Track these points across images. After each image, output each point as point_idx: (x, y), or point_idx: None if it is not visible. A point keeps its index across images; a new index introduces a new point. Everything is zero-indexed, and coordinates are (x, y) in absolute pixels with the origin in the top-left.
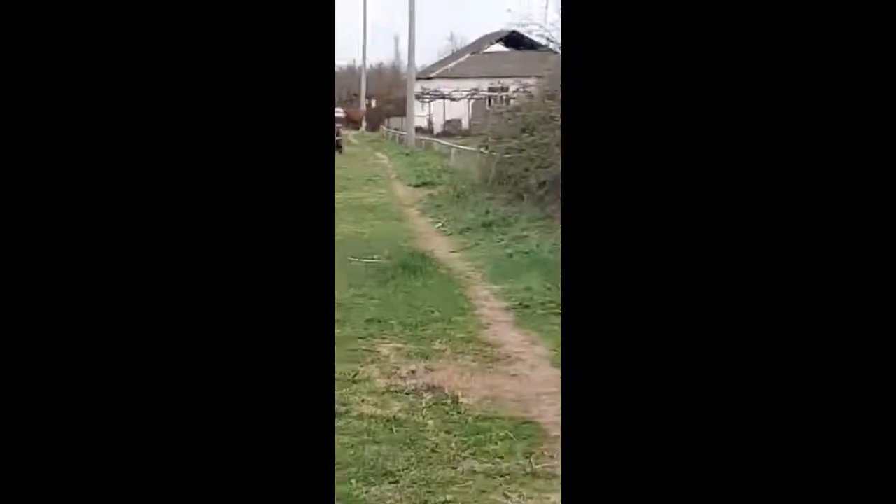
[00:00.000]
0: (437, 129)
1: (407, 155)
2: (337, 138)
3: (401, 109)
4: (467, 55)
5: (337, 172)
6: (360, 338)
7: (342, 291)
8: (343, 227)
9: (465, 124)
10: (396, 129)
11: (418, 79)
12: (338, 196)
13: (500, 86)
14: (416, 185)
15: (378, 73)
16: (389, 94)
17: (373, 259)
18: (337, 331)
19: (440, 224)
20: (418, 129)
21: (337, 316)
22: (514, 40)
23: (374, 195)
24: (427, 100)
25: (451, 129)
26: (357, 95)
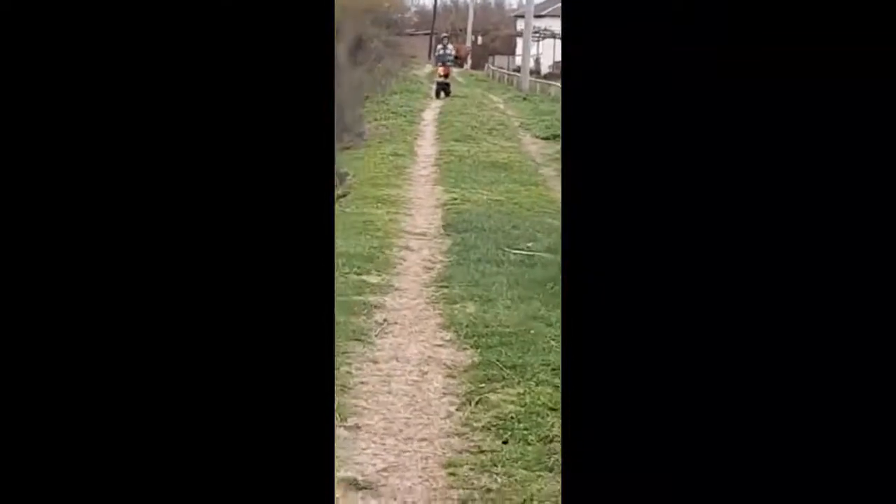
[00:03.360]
0: (545, 69)
1: (524, 99)
2: (446, 80)
3: (507, 47)
4: None
5: (458, 119)
6: (552, 409)
7: (511, 309)
8: (479, 194)
9: None
10: (500, 68)
11: (522, 16)
12: (465, 148)
13: None
14: (546, 139)
15: (483, 8)
16: (497, 30)
17: (529, 249)
18: (518, 390)
19: None
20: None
21: (513, 358)
22: None
23: (502, 150)
24: (536, 38)
25: (559, 70)
26: (462, 31)
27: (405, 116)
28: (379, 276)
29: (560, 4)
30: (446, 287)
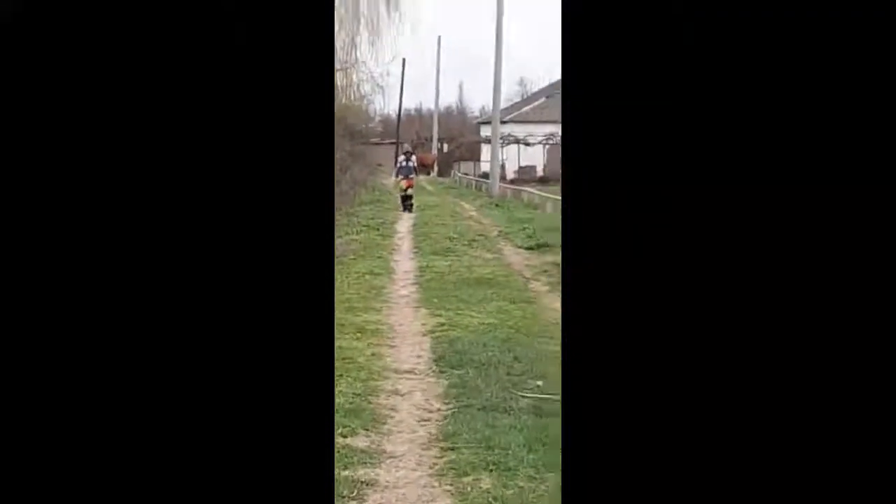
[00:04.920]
0: (510, 175)
1: (497, 206)
2: (410, 192)
3: (472, 154)
4: (542, 98)
5: (434, 230)
6: None
7: (536, 481)
8: (468, 316)
9: (539, 171)
10: (466, 174)
11: (486, 123)
12: (446, 263)
13: None
14: (529, 248)
15: (446, 115)
16: (462, 137)
17: (540, 390)
18: None
19: None
20: (489, 175)
21: None
22: None
23: (485, 262)
24: (501, 144)
25: (525, 176)
26: (428, 139)
27: (378, 229)
28: (367, 436)
29: (522, 111)
30: (451, 450)
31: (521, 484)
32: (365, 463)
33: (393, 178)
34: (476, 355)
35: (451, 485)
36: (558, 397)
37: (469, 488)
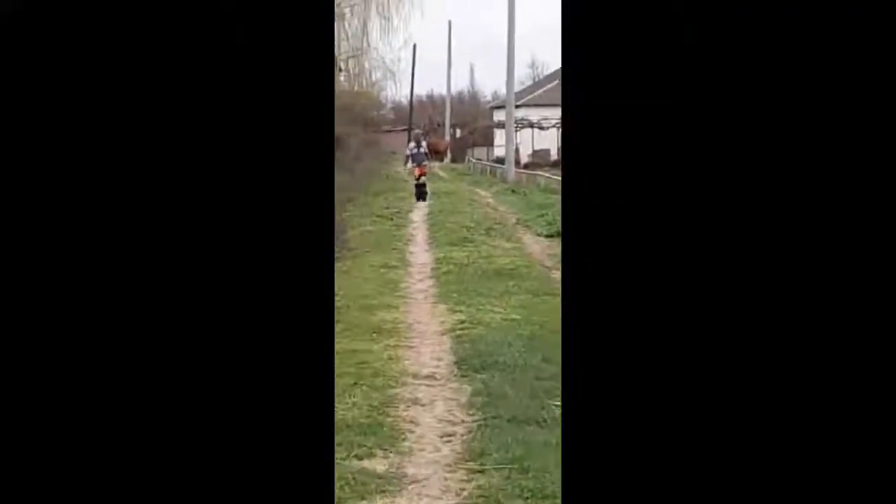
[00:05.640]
0: (524, 159)
1: (513, 192)
2: (423, 180)
3: (485, 139)
4: (555, 82)
5: (451, 219)
6: None
7: None
8: (489, 312)
9: (553, 154)
10: (479, 160)
11: (499, 107)
12: (464, 254)
13: None
14: (549, 236)
15: (458, 101)
16: (475, 122)
17: None
18: None
19: None
20: (503, 160)
21: None
22: None
23: (504, 252)
24: (515, 128)
25: (539, 160)
26: (440, 125)
27: (392, 219)
28: (385, 457)
29: (535, 94)
30: (480, 472)
31: None
32: (384, 491)
33: (404, 165)
34: (501, 357)
35: None
36: None
37: None
